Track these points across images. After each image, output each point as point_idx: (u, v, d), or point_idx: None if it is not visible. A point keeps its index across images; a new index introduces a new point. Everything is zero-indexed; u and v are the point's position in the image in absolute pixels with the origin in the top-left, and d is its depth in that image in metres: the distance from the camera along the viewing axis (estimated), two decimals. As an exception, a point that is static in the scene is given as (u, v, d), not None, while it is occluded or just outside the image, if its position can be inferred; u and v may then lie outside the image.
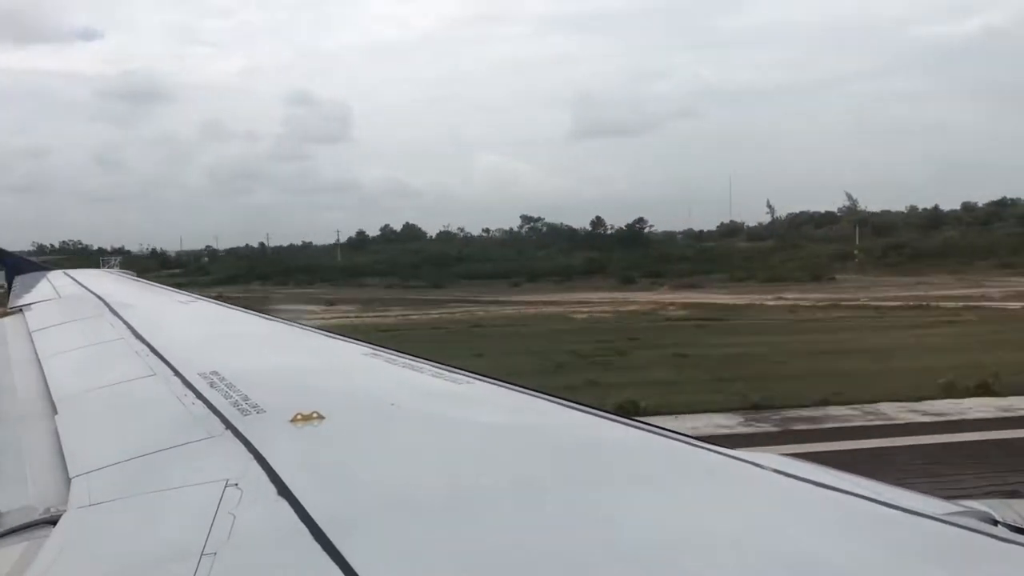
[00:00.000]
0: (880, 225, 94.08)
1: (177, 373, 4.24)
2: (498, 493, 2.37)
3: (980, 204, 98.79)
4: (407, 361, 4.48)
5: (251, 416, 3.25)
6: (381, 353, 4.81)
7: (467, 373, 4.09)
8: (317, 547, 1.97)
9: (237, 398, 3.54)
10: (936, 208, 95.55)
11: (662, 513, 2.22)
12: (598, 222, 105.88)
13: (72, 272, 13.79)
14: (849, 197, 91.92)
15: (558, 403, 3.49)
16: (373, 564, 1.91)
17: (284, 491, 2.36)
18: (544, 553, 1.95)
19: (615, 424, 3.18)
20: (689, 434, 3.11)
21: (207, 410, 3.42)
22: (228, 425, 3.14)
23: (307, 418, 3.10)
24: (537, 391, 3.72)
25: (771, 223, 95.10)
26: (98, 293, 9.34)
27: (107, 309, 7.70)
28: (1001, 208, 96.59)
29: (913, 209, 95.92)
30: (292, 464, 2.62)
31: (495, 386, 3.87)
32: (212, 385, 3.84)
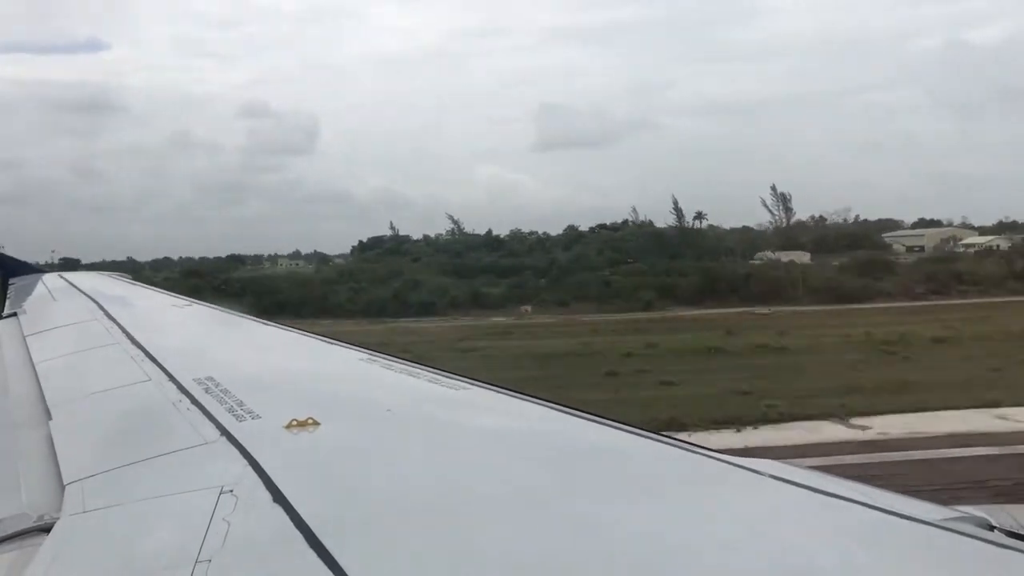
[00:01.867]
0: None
1: (172, 378, 4.22)
2: (494, 499, 2.35)
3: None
4: (403, 367, 4.46)
5: (246, 422, 3.23)
6: (378, 359, 4.80)
7: (463, 378, 4.08)
8: (312, 554, 1.96)
9: (232, 404, 3.52)
10: (571, 228, 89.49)
11: (660, 519, 2.21)
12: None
13: (68, 275, 13.74)
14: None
15: (555, 408, 3.48)
16: (368, 570, 1.90)
17: (279, 498, 2.34)
18: (541, 560, 1.94)
19: (613, 430, 3.17)
20: (687, 440, 3.10)
21: (202, 416, 3.40)
22: (223, 431, 3.12)
23: (302, 424, 3.09)
24: (534, 396, 3.71)
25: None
26: (93, 297, 9.31)
27: (103, 313, 7.67)
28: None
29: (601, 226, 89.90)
30: (287, 471, 2.60)
31: (492, 391, 3.85)
32: (207, 391, 3.82)
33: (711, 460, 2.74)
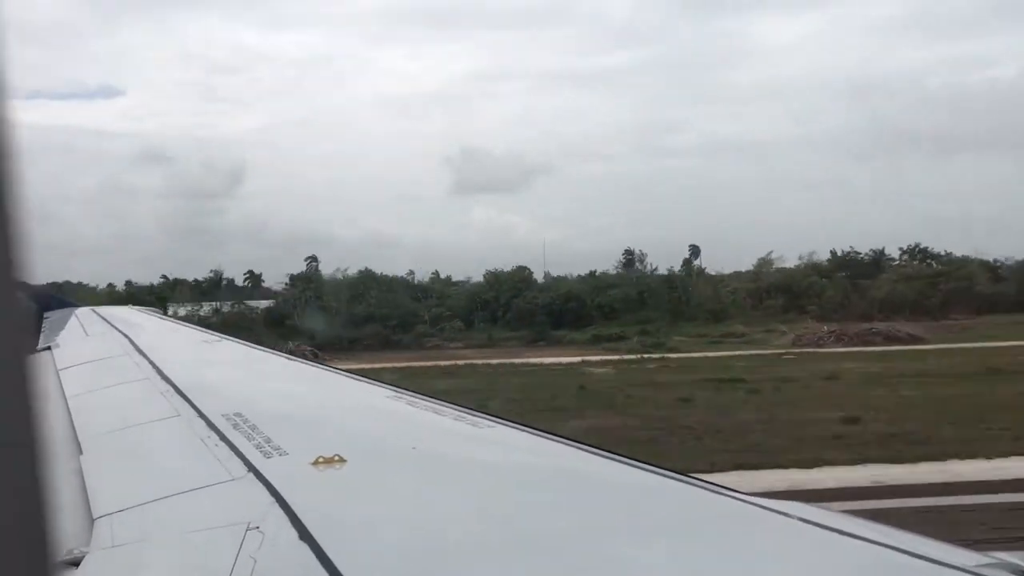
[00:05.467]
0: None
1: (201, 414, 4.27)
2: (519, 539, 2.35)
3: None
4: (429, 404, 4.48)
5: (274, 459, 3.26)
6: (404, 396, 4.82)
7: (488, 417, 4.08)
8: None
9: (260, 440, 3.55)
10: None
11: (685, 562, 2.20)
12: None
13: (100, 309, 13.96)
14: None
15: (579, 448, 3.47)
16: None
17: (305, 535, 2.35)
18: None
19: (637, 470, 3.15)
20: (714, 482, 3.07)
21: (230, 452, 3.44)
22: (251, 468, 3.15)
23: (329, 461, 3.11)
24: (558, 435, 3.70)
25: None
26: (125, 332, 9.44)
27: (133, 348, 7.78)
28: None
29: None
30: (314, 508, 2.61)
31: (516, 430, 3.85)
32: (235, 427, 3.86)
33: (738, 502, 2.71)
